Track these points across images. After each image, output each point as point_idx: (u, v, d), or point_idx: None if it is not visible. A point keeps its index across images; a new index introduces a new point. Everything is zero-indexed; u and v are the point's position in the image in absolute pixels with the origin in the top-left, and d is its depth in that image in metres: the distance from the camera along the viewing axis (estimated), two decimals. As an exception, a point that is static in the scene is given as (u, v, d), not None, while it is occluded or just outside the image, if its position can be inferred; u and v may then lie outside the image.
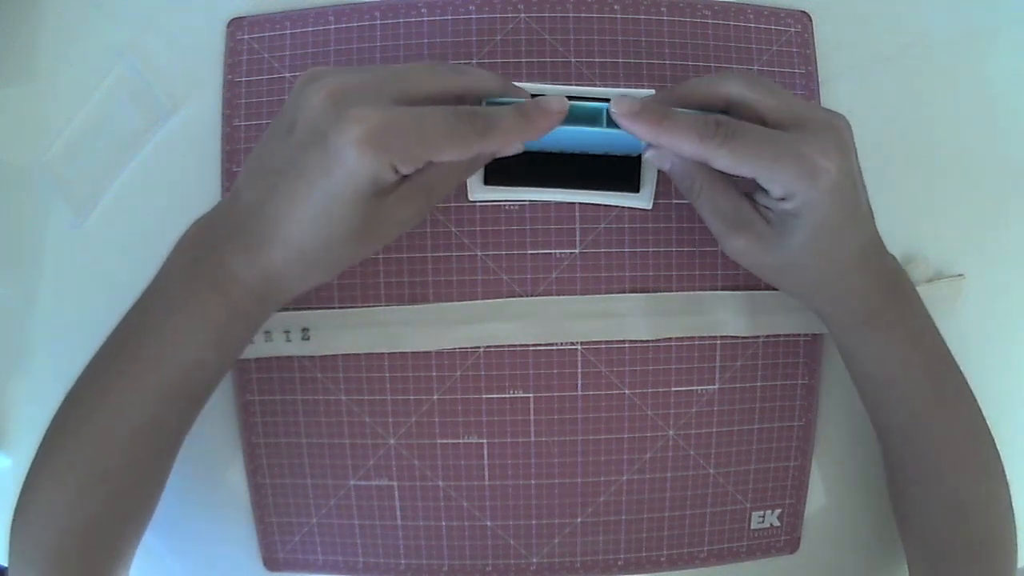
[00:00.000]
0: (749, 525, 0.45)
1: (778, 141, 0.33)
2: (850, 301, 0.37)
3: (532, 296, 0.43)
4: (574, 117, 0.34)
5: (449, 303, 0.43)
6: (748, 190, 0.37)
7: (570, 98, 0.34)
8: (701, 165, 0.35)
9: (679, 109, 0.34)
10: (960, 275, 0.45)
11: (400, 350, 0.43)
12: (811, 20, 0.45)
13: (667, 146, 0.34)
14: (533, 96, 0.35)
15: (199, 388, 0.35)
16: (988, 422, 0.45)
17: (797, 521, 0.45)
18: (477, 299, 0.43)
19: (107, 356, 0.35)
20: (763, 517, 0.45)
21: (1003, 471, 0.40)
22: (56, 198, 0.45)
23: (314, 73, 0.32)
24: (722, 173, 0.35)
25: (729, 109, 0.35)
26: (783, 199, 0.34)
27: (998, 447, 0.40)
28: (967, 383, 0.40)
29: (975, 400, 0.40)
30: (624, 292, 0.43)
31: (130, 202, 0.45)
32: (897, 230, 0.45)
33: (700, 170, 0.36)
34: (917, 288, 0.44)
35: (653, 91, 0.40)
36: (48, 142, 0.45)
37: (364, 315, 0.43)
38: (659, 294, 0.43)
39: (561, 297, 0.43)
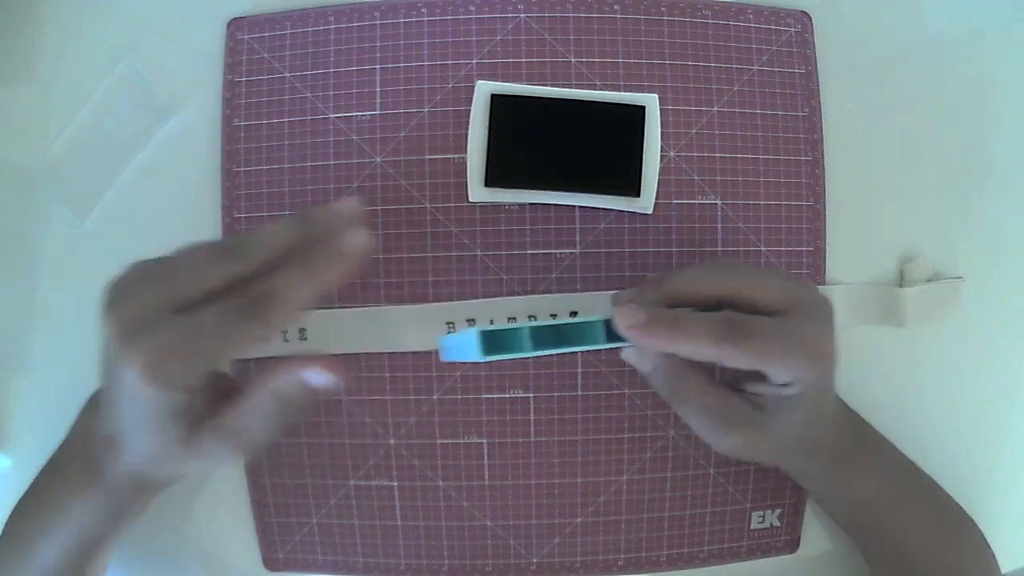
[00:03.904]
0: (749, 525, 0.45)
1: (784, 333, 0.32)
2: (822, 452, 0.38)
3: (532, 295, 0.43)
4: (567, 338, 0.31)
5: (448, 302, 0.43)
6: (730, 380, 0.36)
7: (543, 327, 0.31)
8: (688, 365, 0.34)
9: (681, 310, 0.33)
10: (959, 278, 0.45)
11: (399, 350, 0.43)
12: (811, 20, 0.45)
13: (680, 353, 0.32)
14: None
15: (109, 542, 0.37)
16: (987, 424, 0.46)
17: (797, 521, 0.45)
18: (478, 300, 0.43)
19: (28, 509, 0.37)
20: (763, 517, 0.45)
21: (985, 543, 0.41)
22: (56, 198, 0.45)
23: (110, 291, 0.30)
24: (703, 369, 0.34)
25: (721, 302, 0.34)
26: (786, 384, 0.34)
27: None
28: (932, 481, 0.41)
29: (943, 492, 0.41)
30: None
31: (130, 202, 0.45)
32: (897, 230, 0.45)
33: (687, 371, 0.35)
34: (917, 287, 0.44)
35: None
36: (48, 142, 0.45)
37: (362, 315, 0.43)
38: None
39: (561, 295, 0.43)
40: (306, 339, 0.43)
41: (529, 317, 0.43)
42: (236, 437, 0.31)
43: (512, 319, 0.43)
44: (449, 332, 0.43)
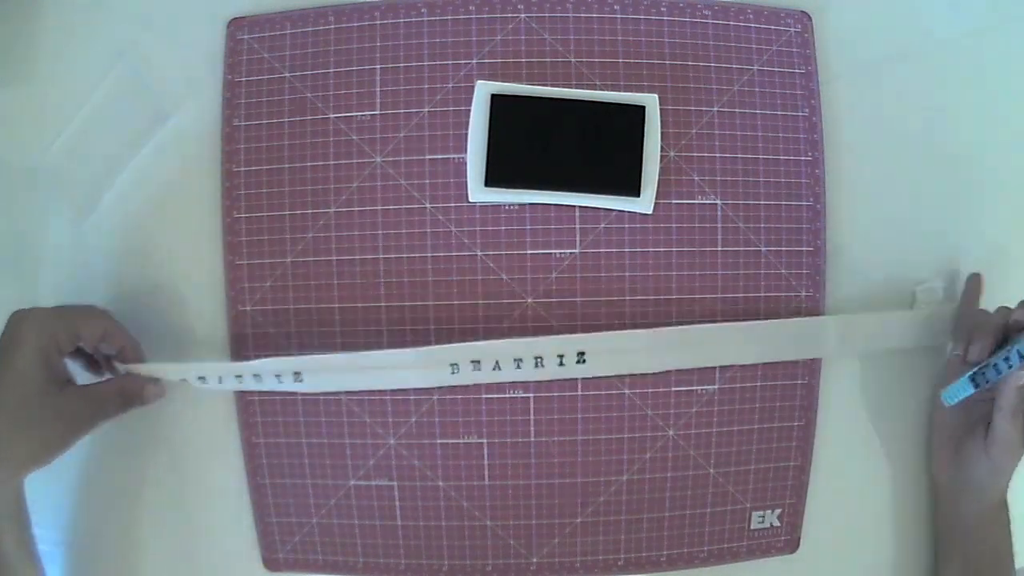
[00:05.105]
0: (749, 525, 0.45)
1: None
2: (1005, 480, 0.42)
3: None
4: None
5: (449, 344, 0.42)
6: None
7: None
8: None
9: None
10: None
11: (400, 387, 0.43)
12: (811, 20, 0.45)
13: None
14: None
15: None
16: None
17: (797, 521, 0.45)
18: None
19: None
20: (763, 517, 0.45)
21: None
22: (56, 198, 0.45)
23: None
24: None
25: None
26: None
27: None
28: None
29: None
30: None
31: (130, 202, 0.45)
32: (895, 228, 0.45)
33: None
34: (915, 300, 0.45)
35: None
36: (48, 142, 0.45)
37: (358, 360, 0.42)
38: (661, 329, 0.43)
39: (562, 336, 0.42)
40: (302, 381, 0.42)
41: (536, 358, 0.42)
42: (97, 402, 0.40)
43: (519, 360, 0.42)
44: (453, 374, 0.42)
